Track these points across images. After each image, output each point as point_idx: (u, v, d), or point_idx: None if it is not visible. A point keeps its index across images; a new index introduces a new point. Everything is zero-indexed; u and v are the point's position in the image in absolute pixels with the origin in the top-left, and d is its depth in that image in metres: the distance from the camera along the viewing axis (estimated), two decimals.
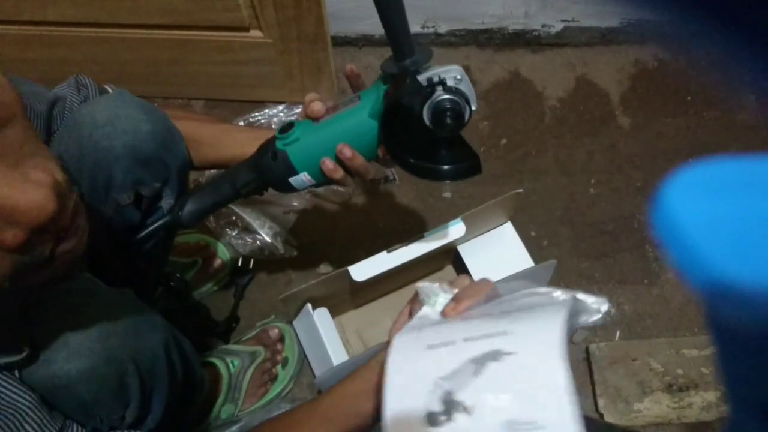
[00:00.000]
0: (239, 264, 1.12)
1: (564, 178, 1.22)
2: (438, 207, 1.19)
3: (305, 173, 0.64)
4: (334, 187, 1.11)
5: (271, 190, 0.69)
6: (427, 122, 0.56)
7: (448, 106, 0.55)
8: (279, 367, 1.01)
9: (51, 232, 0.42)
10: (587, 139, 1.26)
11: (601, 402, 1.01)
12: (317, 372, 0.91)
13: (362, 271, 0.85)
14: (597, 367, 1.03)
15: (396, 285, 1.06)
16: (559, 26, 1.30)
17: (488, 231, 0.99)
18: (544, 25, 1.30)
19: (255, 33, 1.08)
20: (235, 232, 1.10)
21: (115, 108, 0.67)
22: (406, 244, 0.86)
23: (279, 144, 0.63)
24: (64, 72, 0.74)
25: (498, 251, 0.98)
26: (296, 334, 1.04)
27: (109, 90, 0.74)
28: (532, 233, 1.17)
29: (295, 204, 1.14)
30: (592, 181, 1.22)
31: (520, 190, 0.88)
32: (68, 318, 0.57)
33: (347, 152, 0.61)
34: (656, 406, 1.01)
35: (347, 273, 0.85)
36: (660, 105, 1.30)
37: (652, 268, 1.15)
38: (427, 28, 1.29)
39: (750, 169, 0.16)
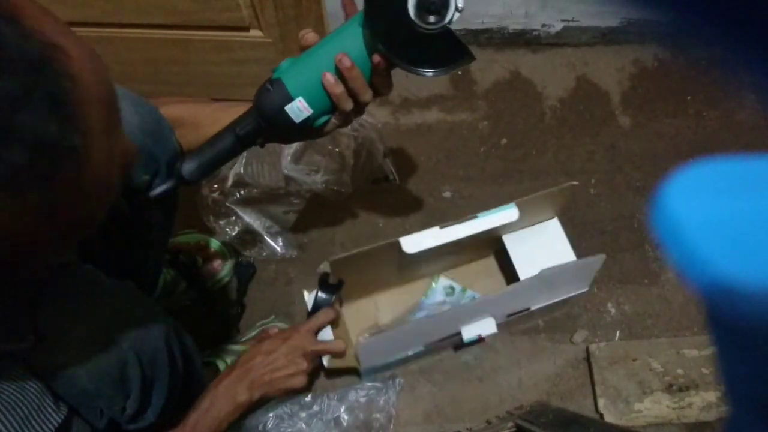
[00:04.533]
0: (239, 262, 1.12)
1: (564, 178, 1.22)
2: (438, 207, 1.19)
3: (300, 98, 0.61)
4: (329, 186, 1.11)
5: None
6: (412, 13, 0.54)
7: None
8: None
9: None
10: (587, 139, 1.26)
11: (601, 402, 1.01)
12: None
13: (413, 243, 0.85)
14: (597, 367, 1.03)
15: (442, 267, 1.09)
16: (559, 26, 1.30)
17: (535, 224, 1.00)
18: (544, 25, 1.30)
19: (255, 33, 1.08)
20: (235, 232, 1.10)
21: None
22: (459, 222, 0.86)
23: (274, 74, 0.62)
24: None
25: (542, 244, 0.99)
26: None
27: None
28: None
29: (295, 203, 1.14)
30: (592, 181, 1.22)
31: (576, 183, 0.89)
32: (70, 308, 0.58)
33: (346, 61, 0.58)
34: (656, 406, 1.01)
35: (398, 244, 0.85)
36: (660, 105, 1.30)
37: (652, 268, 1.15)
38: None
39: (750, 169, 0.16)
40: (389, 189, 1.20)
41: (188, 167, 0.65)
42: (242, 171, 1.12)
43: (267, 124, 0.63)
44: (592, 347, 1.05)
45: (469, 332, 0.90)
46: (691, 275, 0.15)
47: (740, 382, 0.17)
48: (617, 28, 1.31)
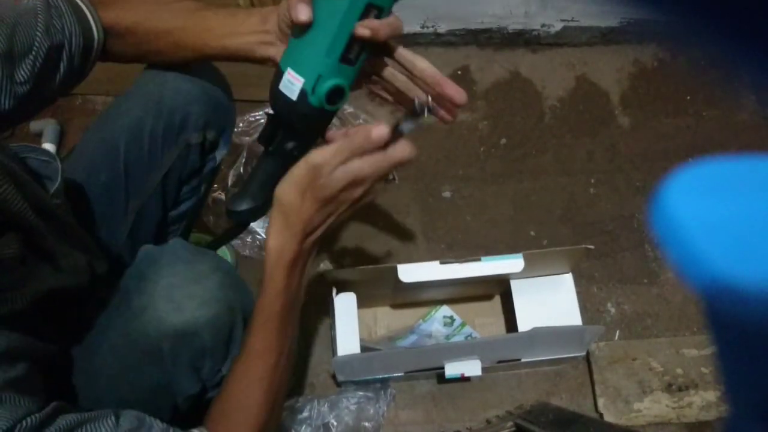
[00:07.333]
0: None
1: (564, 178, 1.22)
2: (437, 207, 1.19)
3: (289, 69, 0.55)
4: None
5: None
6: None
7: None
8: None
9: None
10: (587, 138, 1.26)
11: (601, 402, 1.01)
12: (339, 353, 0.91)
13: (410, 273, 0.85)
14: (597, 367, 1.03)
15: (444, 295, 1.07)
16: (558, 26, 1.30)
17: (547, 276, 0.97)
18: (543, 25, 1.30)
19: None
20: None
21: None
22: (460, 262, 0.85)
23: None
24: None
25: (550, 298, 0.95)
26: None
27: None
28: (532, 233, 1.17)
29: None
30: (592, 180, 1.22)
31: (591, 247, 0.85)
32: (186, 271, 0.62)
33: (368, 27, 0.51)
34: (656, 406, 1.01)
35: (395, 270, 0.84)
36: (660, 105, 1.30)
37: (652, 268, 1.15)
38: (427, 27, 1.29)
39: (750, 169, 0.16)
40: (389, 189, 1.20)
41: (240, 205, 0.63)
42: (242, 171, 1.12)
43: (275, 118, 0.59)
44: (592, 347, 1.05)
45: (452, 369, 0.89)
46: (691, 275, 0.15)
47: (740, 382, 0.17)
48: (617, 28, 1.31)
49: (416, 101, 0.54)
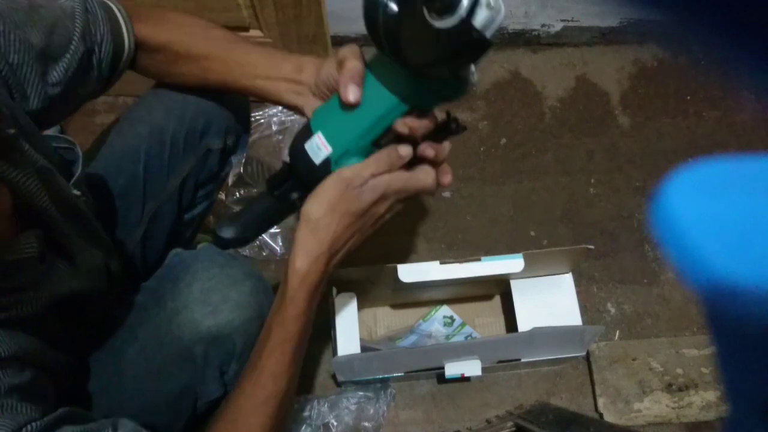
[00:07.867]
0: None
1: (564, 178, 1.22)
2: (438, 207, 1.19)
3: (319, 133, 0.55)
4: None
5: None
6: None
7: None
8: None
9: None
10: (587, 138, 1.26)
11: (601, 401, 1.01)
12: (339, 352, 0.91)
13: (410, 273, 0.85)
14: (597, 367, 1.03)
15: (444, 295, 1.07)
16: (558, 26, 1.30)
17: (547, 276, 0.97)
18: (543, 25, 1.30)
19: (255, 33, 1.08)
20: None
21: None
22: (460, 262, 0.85)
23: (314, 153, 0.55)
24: None
25: (549, 298, 0.95)
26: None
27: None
28: (532, 233, 1.17)
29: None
30: (592, 180, 1.22)
31: (591, 247, 0.85)
32: (222, 275, 0.63)
33: (413, 122, 0.50)
34: (656, 406, 1.01)
35: (395, 270, 0.84)
36: (660, 105, 1.30)
37: (652, 268, 1.15)
38: None
39: (750, 169, 0.16)
40: None
41: (226, 232, 0.63)
42: (242, 171, 1.12)
43: (291, 168, 0.59)
44: (592, 347, 1.05)
45: (452, 369, 0.89)
46: (691, 275, 0.15)
47: (740, 382, 0.17)
48: (617, 28, 1.31)
49: (450, 116, 0.54)
